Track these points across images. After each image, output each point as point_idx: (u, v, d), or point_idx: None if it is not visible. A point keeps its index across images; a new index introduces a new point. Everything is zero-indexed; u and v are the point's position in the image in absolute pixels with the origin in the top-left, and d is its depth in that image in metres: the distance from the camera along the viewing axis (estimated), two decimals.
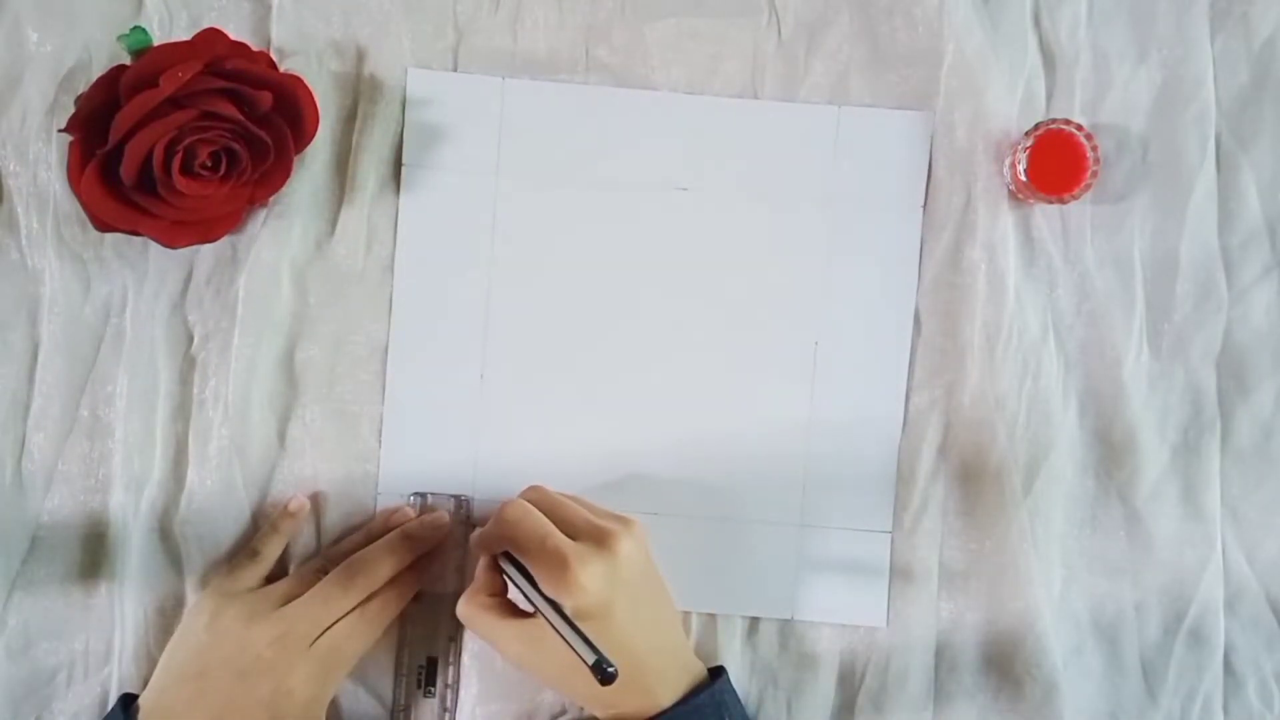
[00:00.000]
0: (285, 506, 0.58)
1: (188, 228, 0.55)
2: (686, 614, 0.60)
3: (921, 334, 0.60)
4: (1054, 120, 0.57)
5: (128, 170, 0.52)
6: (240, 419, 0.58)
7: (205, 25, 0.55)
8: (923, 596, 0.60)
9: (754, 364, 0.60)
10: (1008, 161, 0.58)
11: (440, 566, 0.58)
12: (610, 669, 0.45)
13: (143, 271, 0.58)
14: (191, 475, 0.58)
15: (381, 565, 0.55)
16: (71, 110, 0.53)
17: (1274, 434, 0.60)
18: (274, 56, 0.57)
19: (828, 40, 0.59)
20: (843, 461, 0.60)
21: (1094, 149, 0.57)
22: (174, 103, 0.52)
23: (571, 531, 0.52)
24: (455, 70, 0.59)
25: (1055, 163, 0.57)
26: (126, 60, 0.54)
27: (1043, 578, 0.59)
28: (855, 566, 0.60)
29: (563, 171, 0.60)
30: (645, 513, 0.59)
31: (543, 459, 0.60)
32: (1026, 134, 0.57)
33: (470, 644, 0.59)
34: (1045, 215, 0.60)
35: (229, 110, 0.53)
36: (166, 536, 0.58)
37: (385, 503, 0.59)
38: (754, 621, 0.60)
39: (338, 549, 0.58)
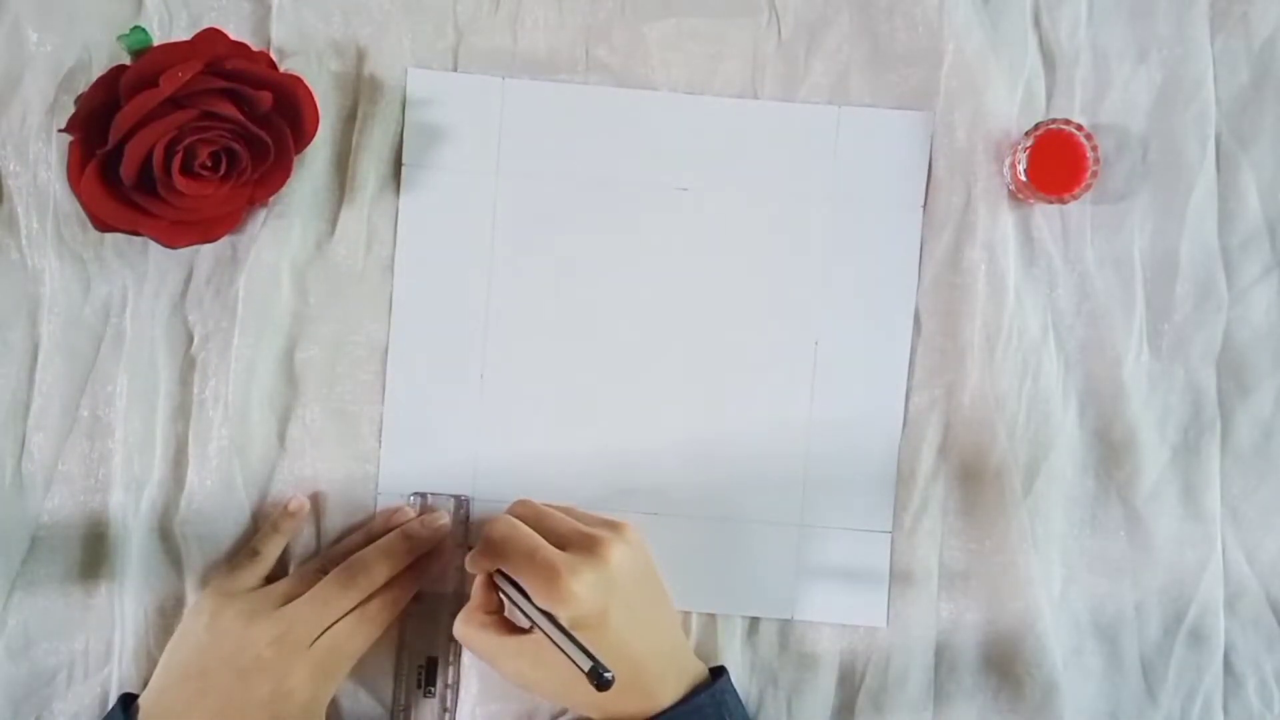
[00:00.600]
0: (285, 506, 0.58)
1: (188, 228, 0.55)
2: (686, 614, 0.60)
3: (921, 334, 0.60)
4: (1054, 120, 0.57)
5: (128, 170, 0.52)
6: (240, 419, 0.58)
7: (205, 25, 0.55)
8: (923, 596, 0.60)
9: (754, 364, 0.60)
10: (1008, 161, 0.58)
11: (440, 567, 0.58)
12: (607, 675, 0.45)
13: (143, 271, 0.58)
14: (191, 475, 0.58)
15: (381, 565, 0.55)
16: (71, 110, 0.53)
17: (1274, 434, 0.60)
18: (274, 56, 0.57)
19: (828, 40, 0.59)
20: (843, 461, 0.60)
21: (1094, 149, 0.57)
22: (174, 103, 0.52)
23: (561, 542, 0.52)
24: (455, 70, 0.59)
25: (1055, 163, 0.57)
26: (126, 60, 0.54)
27: (1043, 578, 0.59)
28: (855, 566, 0.60)
29: (563, 171, 0.60)
30: (645, 513, 0.59)
31: (543, 459, 0.60)
32: (1026, 134, 0.57)
33: None
34: (1045, 215, 0.60)
35: (229, 110, 0.53)
36: (166, 536, 0.58)
37: (385, 503, 0.59)
38: (754, 621, 0.60)
39: (338, 549, 0.58)
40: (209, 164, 0.53)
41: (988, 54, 0.59)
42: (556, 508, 0.55)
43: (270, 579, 0.58)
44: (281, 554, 0.58)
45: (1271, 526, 0.60)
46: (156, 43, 0.55)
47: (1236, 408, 0.60)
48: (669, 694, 0.53)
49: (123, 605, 0.58)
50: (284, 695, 0.53)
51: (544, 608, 0.50)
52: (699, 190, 0.60)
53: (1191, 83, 0.59)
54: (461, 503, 0.59)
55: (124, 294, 0.58)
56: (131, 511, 0.58)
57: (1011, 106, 0.59)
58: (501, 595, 0.54)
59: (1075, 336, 0.60)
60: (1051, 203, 0.57)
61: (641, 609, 0.53)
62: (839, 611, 0.60)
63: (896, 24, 0.59)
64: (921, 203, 0.60)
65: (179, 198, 0.53)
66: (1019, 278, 0.59)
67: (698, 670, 0.55)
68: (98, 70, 0.57)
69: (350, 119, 0.59)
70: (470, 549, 0.54)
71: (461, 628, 0.55)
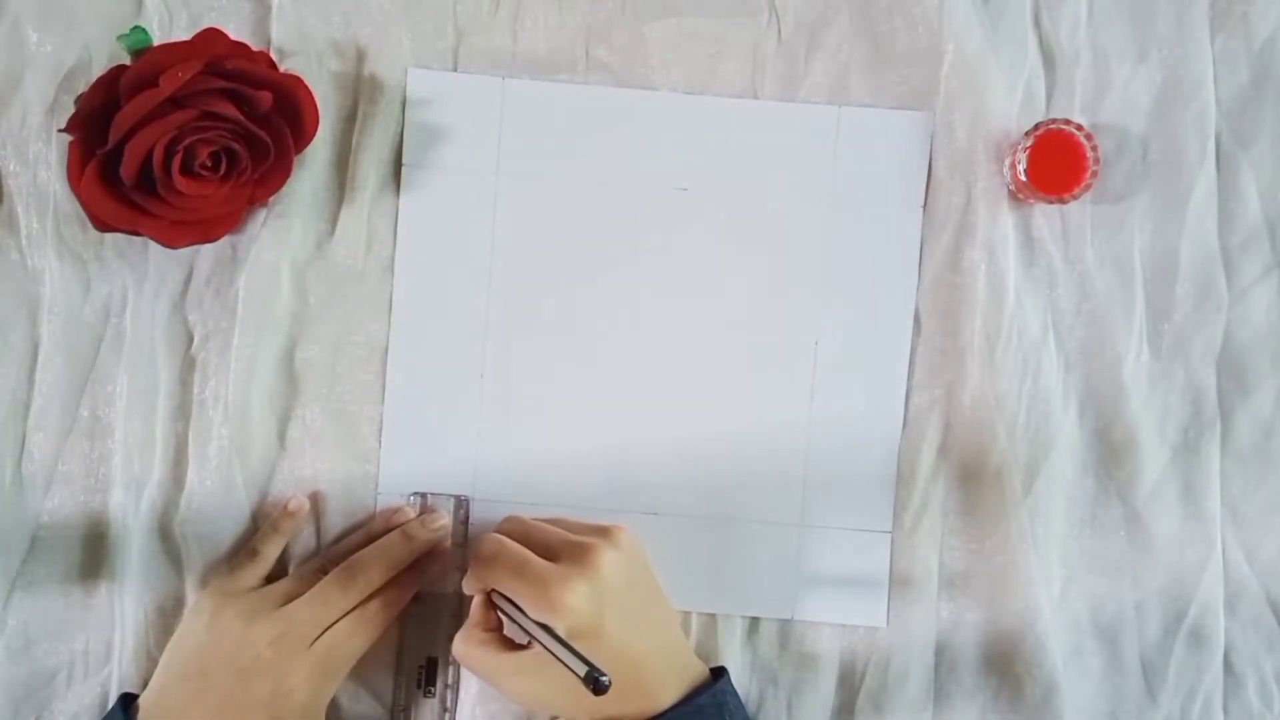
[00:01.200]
0: (285, 506, 0.58)
1: (188, 228, 0.55)
2: (686, 614, 0.60)
3: (921, 334, 0.60)
4: (1054, 120, 0.57)
5: (128, 170, 0.52)
6: (240, 419, 0.58)
7: (205, 25, 0.55)
8: (923, 596, 0.60)
9: (754, 364, 0.60)
10: (1008, 161, 0.58)
11: (440, 567, 0.58)
12: (603, 679, 0.45)
13: (143, 271, 0.58)
14: (191, 475, 0.58)
15: (381, 565, 0.55)
16: (71, 110, 0.53)
17: (1274, 434, 0.60)
18: (274, 56, 0.57)
19: (828, 40, 0.59)
20: (843, 461, 0.60)
21: (1094, 149, 0.57)
22: (174, 103, 0.52)
23: (551, 554, 0.52)
24: (455, 70, 0.59)
25: (1055, 163, 0.57)
26: (126, 60, 0.54)
27: (1043, 578, 0.59)
28: (855, 566, 0.60)
29: (563, 171, 0.60)
30: (645, 513, 0.59)
31: (543, 459, 0.60)
32: (1026, 134, 0.57)
33: None
34: (1045, 215, 0.60)
35: (229, 110, 0.53)
36: (166, 536, 0.58)
37: (385, 503, 0.59)
38: (754, 621, 0.60)
39: (337, 549, 0.58)
40: (209, 164, 0.53)
41: (988, 54, 0.59)
42: (546, 520, 0.55)
43: (271, 579, 0.58)
44: (282, 554, 0.58)
45: (1271, 526, 0.60)
46: (156, 43, 0.55)
47: (1236, 408, 0.60)
48: (670, 694, 0.53)
49: (123, 605, 0.58)
50: (284, 695, 0.53)
51: (540, 621, 0.50)
52: (699, 190, 0.60)
53: (1191, 83, 0.59)
54: (461, 503, 0.59)
55: (124, 294, 0.58)
56: (131, 511, 0.58)
57: (1011, 106, 0.59)
58: (499, 613, 0.54)
59: (1075, 336, 0.60)
60: (1051, 203, 0.57)
61: (637, 612, 0.53)
62: (839, 611, 0.60)
63: (896, 24, 0.59)
64: (921, 203, 0.60)
65: (179, 198, 0.53)
66: (1019, 278, 0.59)
67: (698, 670, 0.55)
68: (98, 70, 0.57)
69: (350, 119, 0.59)
70: (469, 549, 0.54)
71: (461, 647, 0.54)
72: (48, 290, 0.58)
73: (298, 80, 0.55)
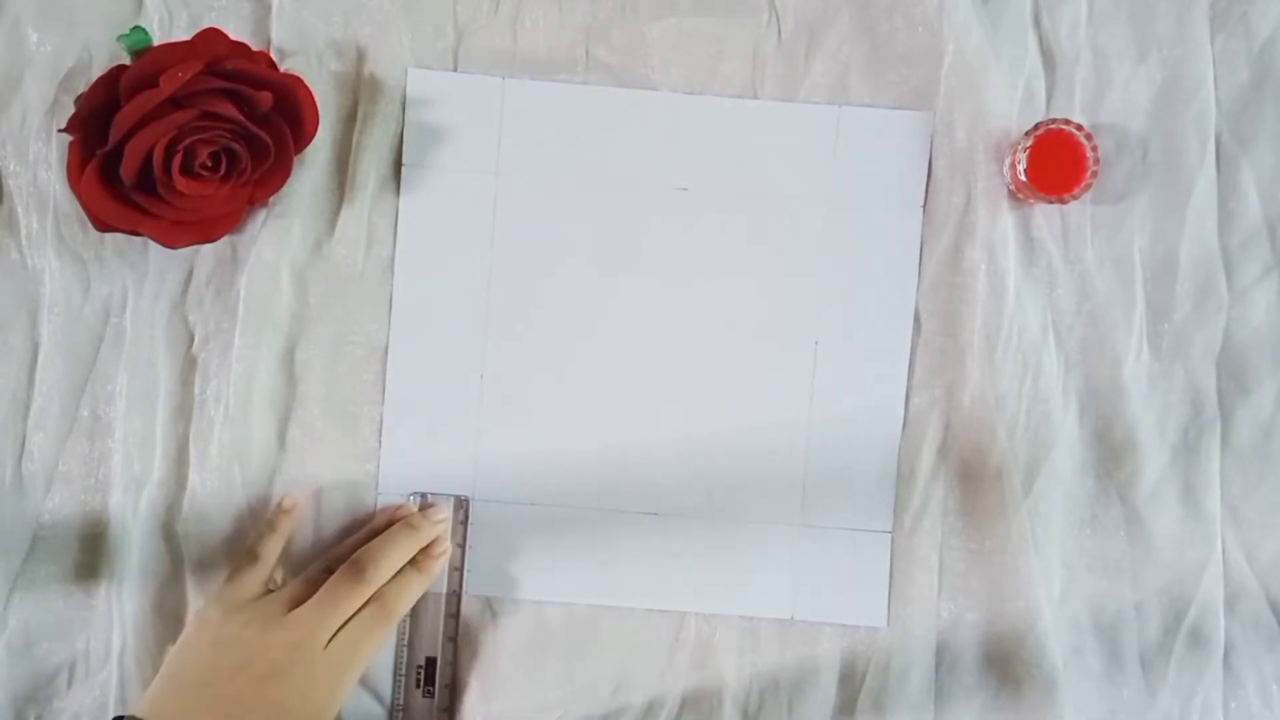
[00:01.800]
0: (279, 504, 0.58)
1: (188, 228, 0.55)
2: (686, 614, 0.60)
3: (921, 334, 0.60)
4: (1054, 120, 0.57)
5: (128, 170, 0.52)
6: (241, 419, 0.58)
7: (205, 25, 0.55)
8: (923, 596, 0.60)
9: (754, 364, 0.60)
10: (1008, 161, 0.58)
11: (439, 567, 0.58)
12: None
13: (143, 271, 0.58)
14: (192, 475, 0.58)
15: (387, 558, 0.55)
16: (71, 110, 0.53)
17: (1274, 434, 0.60)
18: (274, 56, 0.57)
19: (828, 40, 0.59)
20: (843, 461, 0.60)
21: (1094, 149, 0.57)
22: (174, 103, 0.52)
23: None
24: (455, 70, 0.59)
25: (1055, 163, 0.57)
26: (126, 60, 0.54)
27: (1043, 578, 0.59)
28: (855, 566, 0.60)
29: (563, 171, 0.60)
30: (645, 513, 0.59)
31: (543, 459, 0.60)
32: (1026, 134, 0.57)
33: (470, 644, 0.59)
34: (1045, 215, 0.60)
35: (229, 110, 0.53)
36: (166, 536, 0.58)
37: (385, 502, 0.59)
38: (754, 621, 0.60)
39: (341, 549, 0.58)
40: (209, 164, 0.53)
41: (988, 54, 0.59)
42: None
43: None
44: (284, 557, 0.58)
45: (1271, 526, 0.60)
46: (156, 43, 0.55)
47: (1236, 408, 0.60)
48: None
49: (123, 605, 0.58)
50: (299, 699, 0.52)
51: None
52: (699, 190, 0.60)
53: (1191, 83, 0.59)
54: (461, 503, 0.59)
55: (124, 294, 0.58)
56: (131, 511, 0.58)
57: (1011, 106, 0.59)
58: None
59: (1075, 336, 0.60)
60: (1051, 203, 0.57)
61: None
62: (839, 611, 0.60)
63: (896, 24, 0.59)
64: (921, 203, 0.60)
65: (179, 198, 0.53)
66: (1019, 278, 0.59)
67: None
68: (98, 70, 0.57)
69: (350, 119, 0.59)
70: (468, 549, 0.54)
71: None
72: (48, 290, 0.58)
73: (298, 80, 0.55)
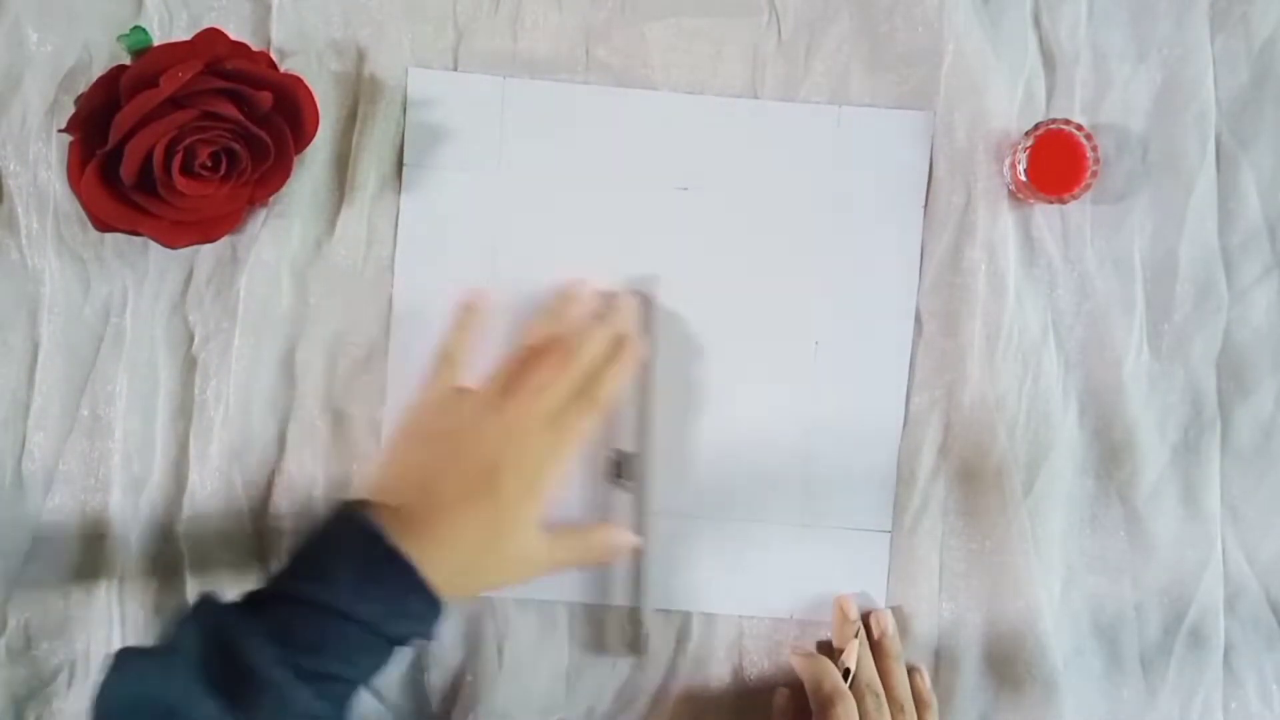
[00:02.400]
0: (464, 303, 0.58)
1: (188, 228, 0.55)
2: (687, 614, 0.60)
3: (922, 334, 0.60)
4: (1054, 120, 0.57)
5: (128, 170, 0.52)
6: (241, 419, 0.58)
7: (205, 25, 0.55)
8: (923, 596, 0.60)
9: (754, 364, 0.60)
10: (1008, 161, 0.58)
11: (634, 357, 0.57)
12: None
13: (143, 271, 0.58)
14: (192, 475, 0.58)
15: (590, 339, 0.55)
16: (71, 110, 0.53)
17: (1274, 434, 0.60)
18: (274, 56, 0.57)
19: (828, 40, 0.59)
20: (843, 461, 0.60)
21: (1094, 149, 0.57)
22: (174, 103, 0.52)
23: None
24: (455, 70, 0.59)
25: (1055, 163, 0.57)
26: (126, 60, 0.54)
27: (1043, 578, 0.59)
28: (855, 566, 0.60)
29: (563, 171, 0.60)
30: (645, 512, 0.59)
31: None
32: (1026, 134, 0.57)
33: (471, 643, 0.59)
34: (1045, 215, 0.60)
35: (229, 110, 0.53)
36: (166, 536, 0.58)
37: None
38: (754, 621, 0.60)
39: (527, 340, 0.57)
40: (209, 164, 0.53)
41: (988, 54, 0.59)
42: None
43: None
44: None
45: (1271, 526, 0.60)
46: (156, 43, 0.55)
47: (1236, 408, 0.60)
48: None
49: (123, 605, 0.58)
50: (512, 467, 0.52)
51: None
52: (699, 190, 0.60)
53: (1191, 83, 0.59)
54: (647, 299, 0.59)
55: (124, 294, 0.58)
56: (131, 511, 0.58)
57: (1011, 106, 0.59)
58: None
59: (1075, 336, 0.60)
60: (1051, 203, 0.57)
61: None
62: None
63: (896, 24, 0.59)
64: (922, 203, 0.60)
65: (179, 198, 0.53)
66: (1019, 278, 0.59)
67: None
68: (98, 70, 0.57)
69: (350, 119, 0.59)
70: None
71: None
72: (48, 290, 0.58)
73: (298, 80, 0.55)
